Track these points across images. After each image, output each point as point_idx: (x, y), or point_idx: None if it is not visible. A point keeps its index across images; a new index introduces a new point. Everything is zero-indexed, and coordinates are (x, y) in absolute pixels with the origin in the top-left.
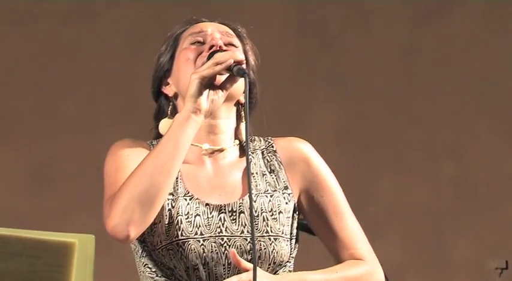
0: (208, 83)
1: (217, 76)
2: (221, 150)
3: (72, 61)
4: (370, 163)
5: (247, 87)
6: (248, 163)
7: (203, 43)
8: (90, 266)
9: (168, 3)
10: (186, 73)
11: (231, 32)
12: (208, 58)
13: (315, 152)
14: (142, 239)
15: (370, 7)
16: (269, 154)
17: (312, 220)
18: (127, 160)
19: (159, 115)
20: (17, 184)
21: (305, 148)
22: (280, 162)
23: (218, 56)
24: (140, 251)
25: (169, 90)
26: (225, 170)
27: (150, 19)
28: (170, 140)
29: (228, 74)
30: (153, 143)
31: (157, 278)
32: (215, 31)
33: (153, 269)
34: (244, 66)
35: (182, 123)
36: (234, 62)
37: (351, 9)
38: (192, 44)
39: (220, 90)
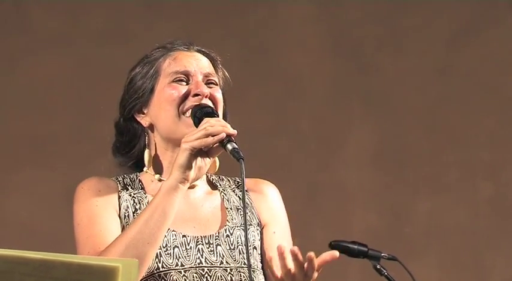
0: (196, 152)
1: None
2: (192, 187)
3: (108, 83)
4: (407, 183)
5: (243, 173)
6: (244, 206)
7: (186, 81)
8: None
9: (204, 24)
10: (167, 112)
11: (210, 67)
12: (194, 115)
13: (278, 193)
14: None
15: (405, 27)
16: (240, 192)
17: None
18: (97, 208)
19: (128, 135)
20: (54, 206)
21: (274, 190)
22: (250, 200)
23: (210, 128)
24: None
25: (144, 121)
26: (197, 203)
27: (185, 40)
28: (158, 209)
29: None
30: (118, 179)
31: None
32: (198, 74)
33: None
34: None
35: (170, 193)
36: (227, 135)
37: (387, 29)
38: (175, 81)
39: (207, 158)
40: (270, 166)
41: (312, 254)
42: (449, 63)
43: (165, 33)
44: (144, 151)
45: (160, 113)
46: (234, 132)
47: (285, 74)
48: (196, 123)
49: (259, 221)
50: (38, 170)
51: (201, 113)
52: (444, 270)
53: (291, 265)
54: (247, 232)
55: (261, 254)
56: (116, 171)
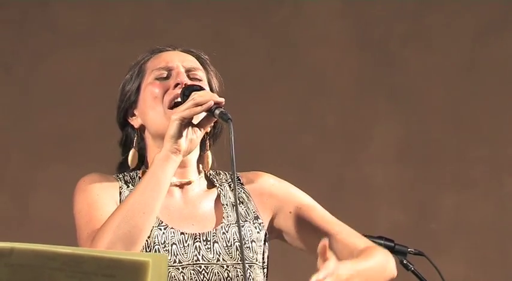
0: (186, 123)
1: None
2: (189, 183)
3: None
4: (432, 179)
5: (232, 132)
6: (236, 200)
7: (167, 78)
8: None
9: (229, 21)
10: (152, 110)
11: (195, 63)
12: (183, 94)
13: (276, 178)
14: None
15: (431, 22)
16: (237, 187)
17: (299, 237)
18: (98, 197)
19: (126, 144)
20: None
21: (267, 176)
22: (248, 194)
23: (198, 97)
24: None
25: (135, 122)
26: (195, 201)
27: (210, 37)
28: (151, 180)
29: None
30: (119, 176)
31: None
32: (180, 66)
33: None
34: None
35: (162, 164)
36: (215, 103)
37: (412, 24)
38: (157, 79)
39: (198, 129)
40: (296, 162)
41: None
42: (475, 59)
43: (190, 31)
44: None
45: (146, 111)
46: (222, 100)
47: (310, 70)
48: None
49: (259, 214)
50: (65, 166)
51: (189, 91)
52: (470, 265)
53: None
54: (243, 228)
55: (301, 234)
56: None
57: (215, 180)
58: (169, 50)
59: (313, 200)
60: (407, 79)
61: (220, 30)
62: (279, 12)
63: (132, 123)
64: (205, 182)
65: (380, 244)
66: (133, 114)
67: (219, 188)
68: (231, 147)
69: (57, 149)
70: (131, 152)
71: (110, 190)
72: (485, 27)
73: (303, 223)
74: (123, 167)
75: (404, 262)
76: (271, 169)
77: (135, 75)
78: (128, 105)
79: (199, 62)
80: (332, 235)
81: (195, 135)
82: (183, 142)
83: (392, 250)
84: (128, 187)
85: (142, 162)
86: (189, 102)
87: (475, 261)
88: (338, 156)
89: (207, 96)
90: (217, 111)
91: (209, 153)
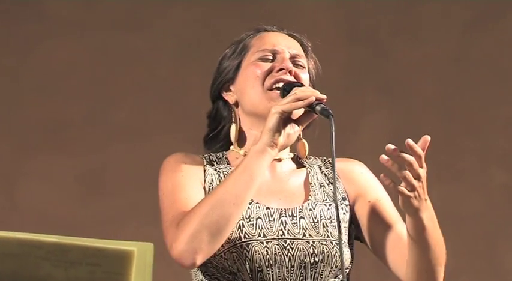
0: (286, 117)
1: (295, 111)
2: (279, 159)
3: (123, 69)
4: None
5: (333, 129)
6: (334, 170)
7: (272, 60)
8: (149, 274)
9: (219, 12)
10: (252, 89)
11: (300, 50)
12: (283, 90)
13: (365, 167)
14: None
15: (420, 13)
16: (327, 169)
17: (367, 228)
18: (183, 178)
19: (216, 118)
20: (69, 191)
21: (359, 164)
22: (337, 175)
23: (299, 92)
24: None
25: (230, 98)
26: (283, 177)
27: (202, 27)
28: (246, 171)
29: (303, 109)
30: (204, 156)
31: None
32: (286, 51)
33: (214, 276)
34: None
35: (258, 156)
36: (316, 99)
37: (402, 15)
38: (261, 59)
39: (296, 125)
40: None
41: (409, 141)
42: (464, 50)
43: (180, 20)
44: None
45: (245, 88)
46: (324, 97)
47: None
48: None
49: (347, 196)
50: (54, 155)
51: (290, 87)
52: (458, 257)
53: (397, 167)
54: (330, 207)
55: (371, 225)
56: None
57: (305, 162)
58: (275, 31)
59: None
60: (396, 70)
61: (209, 21)
62: (270, 3)
63: (226, 98)
64: (295, 162)
65: None
66: (229, 90)
67: (308, 168)
68: (331, 143)
69: (46, 138)
70: (233, 127)
71: (195, 170)
72: (474, 18)
73: (376, 215)
74: (211, 140)
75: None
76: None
77: (238, 52)
78: (225, 80)
79: (303, 49)
80: (395, 232)
81: (292, 130)
82: (281, 137)
83: None
84: (213, 165)
85: (229, 139)
86: (291, 97)
87: (462, 253)
88: (327, 148)
89: (308, 92)
90: (318, 108)
91: (305, 141)
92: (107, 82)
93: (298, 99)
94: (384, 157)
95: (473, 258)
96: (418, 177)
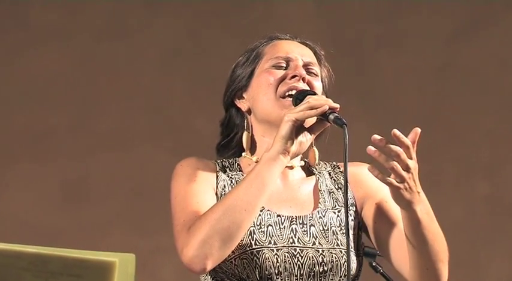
0: (298, 126)
1: (308, 119)
2: (291, 167)
3: (107, 78)
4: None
5: (347, 138)
6: (346, 174)
7: (285, 68)
8: None
9: (202, 22)
10: (264, 96)
11: (313, 57)
12: (296, 98)
13: None
14: None
15: (404, 25)
16: (336, 175)
17: (374, 228)
18: (196, 184)
19: (229, 125)
20: (52, 200)
21: (364, 168)
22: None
23: (313, 101)
24: None
25: (242, 105)
26: (294, 185)
27: (185, 37)
28: (258, 178)
29: (316, 118)
30: (217, 161)
31: None
32: (299, 59)
33: None
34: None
35: (270, 164)
36: (329, 108)
37: (385, 27)
38: (274, 66)
39: (308, 134)
40: None
41: (395, 131)
42: (447, 61)
43: (164, 30)
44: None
45: (258, 95)
46: (337, 105)
47: None
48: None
49: (355, 201)
50: (36, 164)
51: (303, 95)
52: None
53: (386, 158)
54: (340, 214)
55: (378, 226)
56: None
57: (314, 169)
58: (289, 39)
59: None
60: (380, 80)
61: (192, 30)
62: (252, 12)
63: (239, 105)
64: (305, 170)
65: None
66: (242, 97)
67: (317, 175)
68: (345, 151)
69: (28, 146)
70: (245, 135)
71: (208, 176)
72: (457, 29)
73: (382, 216)
74: (224, 147)
75: (374, 264)
76: None
77: (251, 60)
78: (238, 87)
79: (316, 58)
80: (399, 230)
81: (305, 138)
82: (293, 145)
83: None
84: (225, 171)
85: (241, 146)
86: (304, 105)
87: None
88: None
89: (321, 101)
90: (331, 116)
91: (315, 149)
92: (90, 91)
93: (312, 108)
94: (371, 148)
95: (456, 268)
96: (407, 168)
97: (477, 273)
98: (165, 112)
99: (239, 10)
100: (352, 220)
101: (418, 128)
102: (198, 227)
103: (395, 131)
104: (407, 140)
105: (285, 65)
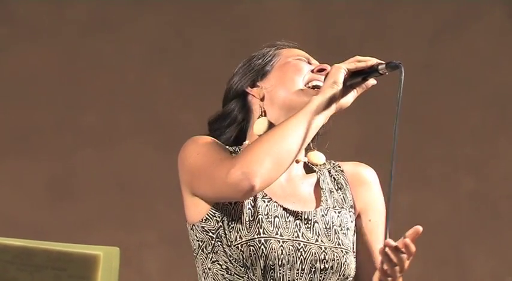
0: (345, 78)
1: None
2: (297, 161)
3: (92, 74)
4: (389, 177)
5: (403, 78)
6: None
7: (308, 63)
8: (114, 278)
9: (188, 17)
10: (291, 80)
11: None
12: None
13: (377, 179)
14: (215, 235)
15: (389, 22)
16: (336, 173)
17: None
18: (215, 143)
19: (230, 116)
20: (37, 196)
21: (369, 172)
22: (347, 181)
23: (359, 57)
24: (210, 247)
25: (256, 92)
26: (297, 181)
27: (171, 33)
28: (308, 114)
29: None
30: (226, 146)
31: (227, 275)
32: (317, 62)
33: (224, 266)
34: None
35: (322, 104)
36: (378, 63)
37: (371, 23)
38: (298, 60)
39: (352, 90)
40: None
41: (407, 241)
42: (432, 58)
43: (150, 25)
44: (241, 126)
45: (283, 81)
46: (383, 62)
47: None
48: None
49: (354, 205)
50: (21, 160)
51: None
52: (426, 264)
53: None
54: (340, 214)
55: (358, 239)
56: None
57: (314, 167)
58: (299, 48)
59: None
60: None
61: (178, 27)
62: (238, 9)
63: (251, 93)
64: (306, 167)
65: None
66: (255, 86)
67: (318, 173)
68: (399, 91)
69: (13, 143)
70: (262, 120)
71: (222, 147)
72: (442, 26)
73: (369, 237)
74: (225, 138)
75: None
76: None
77: (270, 56)
78: (253, 75)
79: None
80: (372, 257)
81: (350, 94)
82: (341, 92)
83: None
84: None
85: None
86: (351, 58)
87: (430, 260)
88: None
89: (368, 57)
90: (381, 66)
91: (322, 155)
92: (75, 87)
93: (359, 61)
94: (382, 249)
95: (441, 265)
96: (402, 270)
97: (461, 269)
98: (151, 108)
99: (226, 6)
100: (351, 221)
101: (419, 227)
102: (249, 149)
103: (407, 241)
104: (413, 248)
105: (307, 62)
